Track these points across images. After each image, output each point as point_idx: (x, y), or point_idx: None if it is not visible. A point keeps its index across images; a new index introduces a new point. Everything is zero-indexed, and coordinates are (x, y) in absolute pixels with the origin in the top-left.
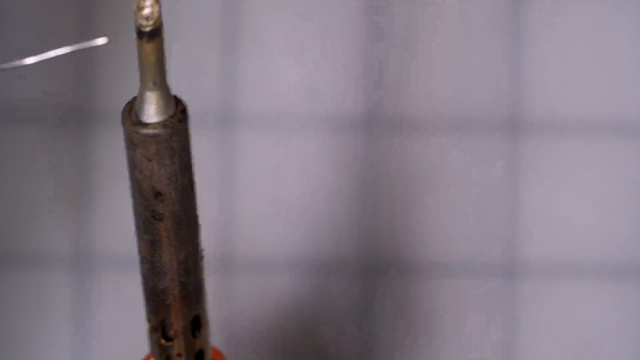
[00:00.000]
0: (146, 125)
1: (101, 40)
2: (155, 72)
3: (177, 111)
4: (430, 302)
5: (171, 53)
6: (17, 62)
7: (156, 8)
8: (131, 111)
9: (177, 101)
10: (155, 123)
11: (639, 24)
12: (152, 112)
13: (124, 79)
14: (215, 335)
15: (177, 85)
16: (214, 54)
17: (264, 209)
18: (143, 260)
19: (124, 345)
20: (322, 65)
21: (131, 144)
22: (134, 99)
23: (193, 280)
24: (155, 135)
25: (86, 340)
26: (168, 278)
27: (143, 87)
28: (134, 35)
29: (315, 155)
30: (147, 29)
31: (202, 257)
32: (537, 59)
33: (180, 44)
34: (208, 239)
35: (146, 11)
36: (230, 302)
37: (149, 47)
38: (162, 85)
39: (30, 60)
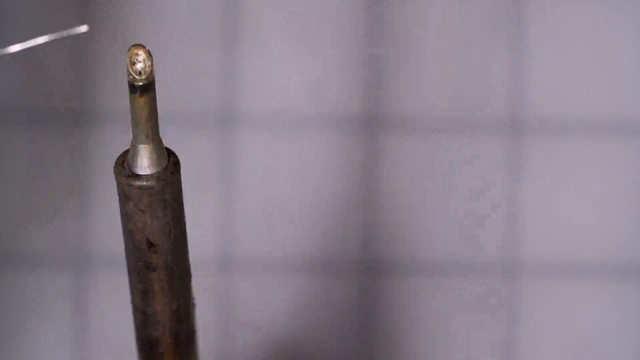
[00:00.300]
0: (139, 177)
1: (82, 28)
2: (148, 126)
3: (170, 163)
4: (430, 302)
5: (171, 53)
6: (1, 50)
7: (149, 63)
8: (124, 163)
9: (169, 153)
10: (148, 175)
11: (639, 24)
12: (144, 164)
13: (124, 79)
14: (216, 337)
15: (178, 85)
16: (214, 54)
17: (263, 209)
18: (136, 310)
19: (124, 345)
20: (322, 65)
21: (124, 196)
22: (127, 151)
23: (185, 328)
24: (148, 188)
25: (85, 340)
26: (161, 327)
27: (135, 140)
28: (135, 40)
29: (315, 155)
30: (140, 84)
31: (193, 305)
32: (537, 59)
33: (180, 44)
34: (208, 239)
35: (139, 66)
36: (230, 303)
37: (142, 101)
38: (154, 138)
39: (15, 47)
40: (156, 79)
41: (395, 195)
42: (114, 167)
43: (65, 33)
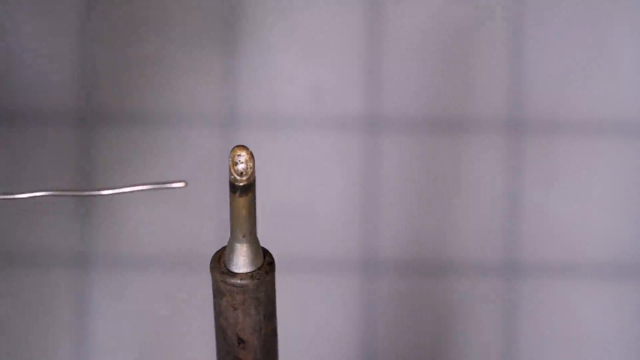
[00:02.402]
0: (234, 275)
1: (178, 184)
2: (246, 226)
3: (265, 263)
4: (431, 302)
5: (173, 53)
6: (94, 192)
7: (250, 164)
8: (220, 260)
9: (265, 252)
10: (243, 274)
11: (639, 24)
12: (240, 263)
13: (124, 80)
14: (212, 336)
15: (179, 86)
16: (215, 54)
17: (264, 208)
18: None
19: (125, 344)
20: (324, 66)
21: (218, 292)
22: (223, 248)
23: None
24: (242, 286)
25: (87, 339)
26: None
27: (233, 239)
28: (136, 40)
29: (315, 155)
30: (241, 184)
31: None
32: (537, 59)
33: (181, 44)
34: (208, 238)
35: (240, 167)
36: None
37: (241, 201)
38: (251, 238)
39: (106, 192)
40: (158, 78)
41: (395, 195)
42: (210, 263)
43: (162, 186)
